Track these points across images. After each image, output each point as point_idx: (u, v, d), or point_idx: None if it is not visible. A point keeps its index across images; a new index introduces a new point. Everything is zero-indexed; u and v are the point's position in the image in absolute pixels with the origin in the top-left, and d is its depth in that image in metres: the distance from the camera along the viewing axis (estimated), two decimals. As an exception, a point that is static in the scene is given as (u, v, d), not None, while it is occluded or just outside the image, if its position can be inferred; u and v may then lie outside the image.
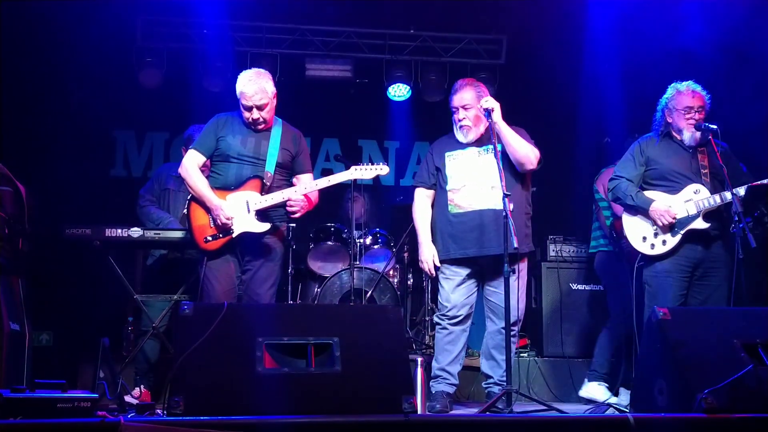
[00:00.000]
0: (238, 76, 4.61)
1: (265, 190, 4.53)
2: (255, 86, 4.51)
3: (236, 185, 4.53)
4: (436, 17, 7.41)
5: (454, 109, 4.74)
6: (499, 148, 4.43)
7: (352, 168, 4.78)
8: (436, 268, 4.74)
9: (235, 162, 4.57)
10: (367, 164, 4.83)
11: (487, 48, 7.73)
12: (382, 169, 4.79)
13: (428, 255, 4.72)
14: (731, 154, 4.75)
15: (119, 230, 4.93)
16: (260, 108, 4.53)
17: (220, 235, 4.48)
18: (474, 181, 4.64)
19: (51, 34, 6.93)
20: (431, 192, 4.85)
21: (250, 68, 4.70)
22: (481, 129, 4.68)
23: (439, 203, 4.79)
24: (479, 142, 4.70)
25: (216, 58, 7.27)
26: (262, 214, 4.52)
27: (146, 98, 7.48)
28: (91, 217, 5.99)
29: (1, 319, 3.59)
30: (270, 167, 4.56)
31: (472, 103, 4.65)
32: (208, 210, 4.50)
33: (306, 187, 4.60)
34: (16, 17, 6.28)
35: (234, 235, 4.48)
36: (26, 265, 4.09)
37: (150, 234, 4.97)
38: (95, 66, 7.22)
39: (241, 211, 4.49)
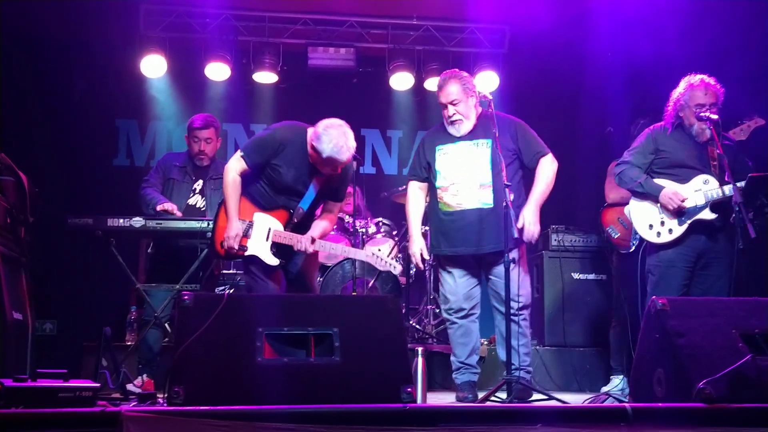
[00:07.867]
0: (328, 135, 4.26)
1: (290, 225, 4.47)
2: (347, 155, 4.31)
3: (267, 208, 4.49)
4: (438, 6, 7.40)
5: (442, 106, 4.66)
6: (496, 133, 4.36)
7: (371, 253, 4.72)
8: (425, 260, 4.76)
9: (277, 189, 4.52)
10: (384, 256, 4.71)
11: (490, 37, 7.71)
12: (395, 268, 4.65)
13: (416, 248, 4.70)
14: (738, 150, 4.71)
15: (121, 220, 4.92)
16: (335, 170, 4.40)
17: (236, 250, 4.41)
18: (463, 179, 4.59)
19: (54, 23, 6.94)
20: (425, 185, 4.81)
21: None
22: (473, 119, 4.61)
23: (432, 198, 4.77)
24: (472, 135, 4.62)
25: (218, 48, 7.29)
26: (278, 247, 4.46)
27: (149, 88, 7.50)
28: (93, 206, 6.03)
29: (3, 309, 3.60)
30: (304, 204, 4.49)
31: (460, 97, 4.57)
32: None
33: (323, 246, 4.51)
34: (19, 6, 6.29)
35: (246, 254, 4.43)
36: (29, 254, 4.10)
37: (152, 224, 4.94)
38: (98, 55, 7.26)
39: (261, 234, 4.44)
